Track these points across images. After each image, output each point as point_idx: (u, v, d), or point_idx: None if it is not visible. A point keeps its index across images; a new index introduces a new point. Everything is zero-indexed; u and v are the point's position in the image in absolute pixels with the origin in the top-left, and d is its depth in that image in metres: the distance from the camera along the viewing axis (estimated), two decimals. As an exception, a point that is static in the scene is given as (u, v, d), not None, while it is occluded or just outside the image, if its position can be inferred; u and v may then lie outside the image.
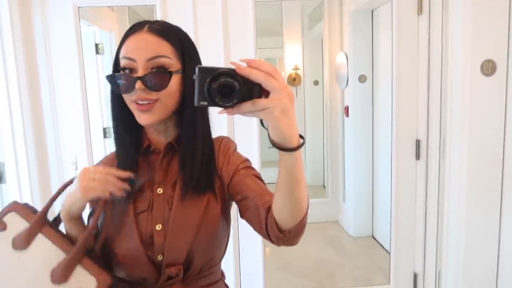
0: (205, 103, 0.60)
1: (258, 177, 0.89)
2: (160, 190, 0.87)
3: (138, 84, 0.78)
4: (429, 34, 1.97)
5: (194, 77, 0.60)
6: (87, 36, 2.17)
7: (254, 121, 1.96)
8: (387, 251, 2.87)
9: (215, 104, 0.60)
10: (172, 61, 0.82)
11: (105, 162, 0.95)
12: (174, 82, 0.82)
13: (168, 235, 0.83)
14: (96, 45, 2.31)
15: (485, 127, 1.85)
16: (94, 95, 2.12)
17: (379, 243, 3.18)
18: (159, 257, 0.84)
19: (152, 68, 0.80)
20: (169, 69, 0.81)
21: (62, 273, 0.78)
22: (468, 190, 1.89)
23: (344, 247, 3.31)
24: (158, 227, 0.84)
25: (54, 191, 0.88)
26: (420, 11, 1.96)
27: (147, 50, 0.80)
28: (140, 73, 0.80)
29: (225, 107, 0.61)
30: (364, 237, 3.33)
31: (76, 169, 1.92)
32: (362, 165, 3.28)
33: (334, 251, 3.21)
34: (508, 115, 1.84)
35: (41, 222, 0.82)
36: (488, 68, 1.79)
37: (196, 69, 0.61)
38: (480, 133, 1.86)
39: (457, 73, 1.86)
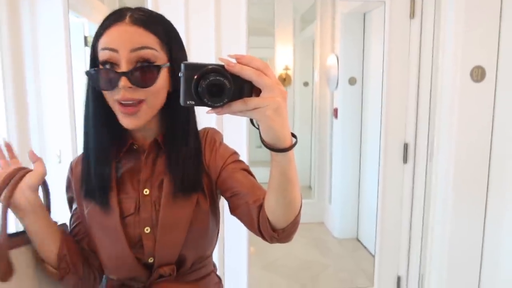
0: (193, 103, 0.56)
1: (247, 171, 0.85)
2: (146, 191, 0.82)
3: (123, 81, 0.71)
4: (420, 39, 1.98)
5: (180, 74, 0.56)
6: (76, 28, 2.12)
7: (243, 118, 1.94)
8: (371, 253, 2.89)
9: (204, 104, 0.56)
10: (158, 53, 0.75)
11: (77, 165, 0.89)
12: (162, 77, 0.75)
13: (158, 238, 0.80)
14: (85, 38, 2.26)
15: (473, 132, 1.87)
16: (80, 87, 2.08)
17: (363, 245, 3.19)
18: (150, 260, 0.82)
19: (136, 62, 0.73)
20: (156, 63, 0.75)
21: None
22: (454, 195, 1.91)
23: (329, 248, 3.31)
24: (147, 230, 0.81)
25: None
26: (412, 15, 1.97)
27: (131, 40, 0.73)
28: (124, 67, 0.72)
29: (215, 107, 0.57)
30: (349, 239, 3.34)
31: (60, 162, 1.87)
32: (350, 167, 3.29)
33: (319, 253, 3.21)
34: (496, 121, 1.86)
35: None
36: (478, 74, 1.81)
37: (182, 65, 0.56)
38: (468, 138, 1.87)
39: (447, 78, 1.87)
